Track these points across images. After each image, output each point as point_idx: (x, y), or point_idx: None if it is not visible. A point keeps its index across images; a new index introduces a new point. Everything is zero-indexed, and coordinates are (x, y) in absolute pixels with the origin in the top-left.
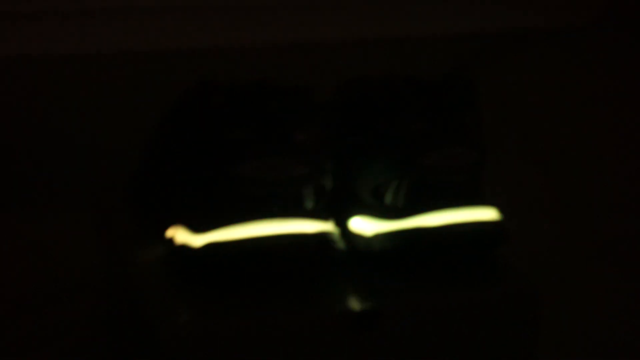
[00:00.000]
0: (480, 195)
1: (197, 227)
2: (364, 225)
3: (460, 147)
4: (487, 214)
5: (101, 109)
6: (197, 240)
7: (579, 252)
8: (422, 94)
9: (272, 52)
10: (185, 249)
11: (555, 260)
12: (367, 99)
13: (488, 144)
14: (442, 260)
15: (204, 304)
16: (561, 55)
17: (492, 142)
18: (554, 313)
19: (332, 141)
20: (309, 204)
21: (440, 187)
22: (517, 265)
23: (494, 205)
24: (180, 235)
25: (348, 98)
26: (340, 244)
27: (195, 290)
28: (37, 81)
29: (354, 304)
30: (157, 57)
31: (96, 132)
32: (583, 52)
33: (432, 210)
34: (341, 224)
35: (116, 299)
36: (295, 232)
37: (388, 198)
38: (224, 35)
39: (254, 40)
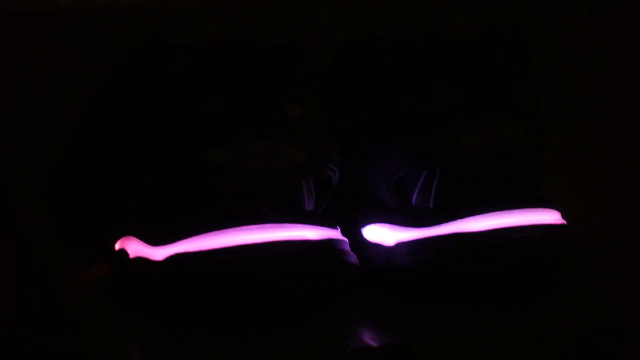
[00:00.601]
0: (536, 190)
1: (156, 236)
2: (382, 233)
3: (509, 126)
4: (548, 216)
5: (17, 76)
6: (157, 253)
7: None
8: (455, 54)
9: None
10: (139, 265)
11: None
12: (381, 62)
13: (546, 123)
14: (489, 278)
15: (165, 342)
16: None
17: (550, 120)
18: None
19: (337, 118)
20: (309, 204)
21: (483, 181)
22: (592, 285)
23: (557, 205)
24: (133, 247)
25: (356, 60)
26: (352, 258)
27: (154, 322)
28: None
29: (372, 339)
30: (95, 14)
31: (7, 110)
32: None
33: (474, 212)
34: (352, 230)
35: (42, 338)
36: (291, 241)
37: (414, 196)
38: None
39: None
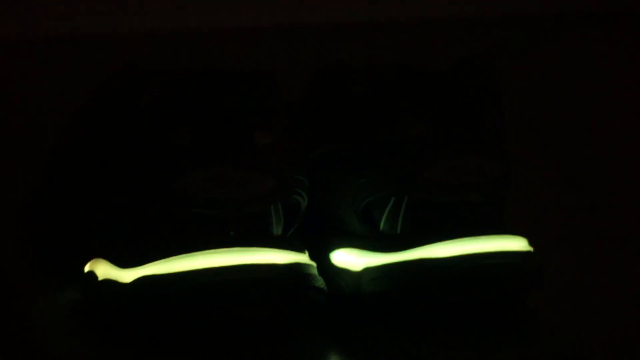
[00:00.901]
0: (503, 219)
1: (125, 258)
2: (350, 258)
3: (475, 158)
4: (514, 243)
5: None
6: (126, 275)
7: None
8: (424, 87)
9: (222, 34)
10: (108, 287)
11: (607, 308)
12: (351, 92)
13: (513, 154)
14: (454, 305)
15: None
16: (605, 44)
17: (517, 151)
18: None
19: (306, 146)
20: (278, 229)
21: (451, 209)
22: (557, 314)
23: (522, 232)
24: (102, 269)
25: (326, 90)
26: (319, 282)
27: (122, 345)
28: None
29: None
30: (71, 41)
31: None
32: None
33: (441, 238)
34: (321, 255)
35: None
36: (258, 265)
37: (381, 222)
38: (157, 18)
39: (199, 22)
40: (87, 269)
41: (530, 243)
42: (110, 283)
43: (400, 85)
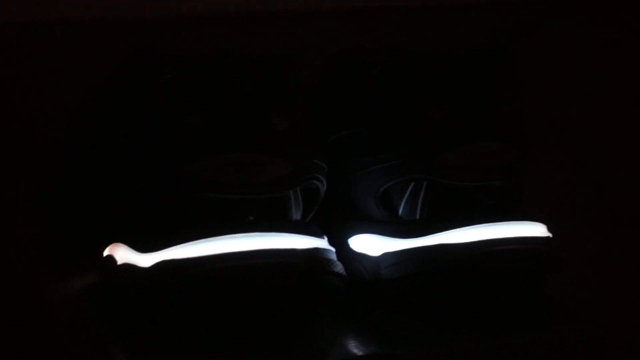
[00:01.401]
0: (522, 204)
1: (144, 243)
2: (368, 243)
3: (493, 142)
4: (534, 229)
5: (4, 86)
6: (145, 260)
7: None
8: (441, 70)
9: (238, 19)
10: (127, 271)
11: (625, 294)
12: (367, 77)
13: (530, 138)
14: (472, 290)
15: (152, 350)
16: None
17: (534, 135)
18: None
19: (324, 131)
20: (296, 214)
21: (469, 194)
22: (575, 299)
23: (540, 218)
24: (121, 254)
25: (344, 74)
26: (338, 267)
27: (141, 329)
28: None
29: (357, 349)
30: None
31: None
32: None
33: (460, 224)
34: (339, 240)
35: (29, 346)
36: (277, 250)
37: (400, 208)
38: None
39: (215, 6)
40: (105, 253)
41: (549, 228)
42: (129, 267)
43: (418, 69)
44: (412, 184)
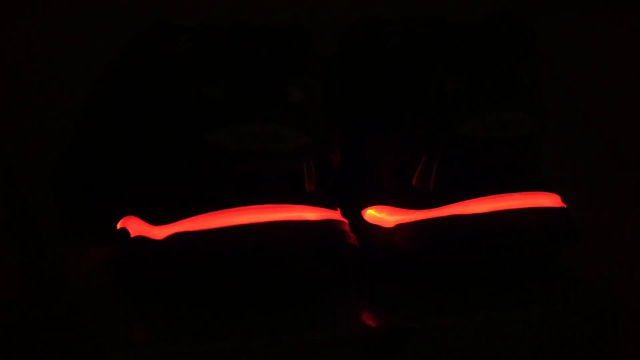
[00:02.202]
0: (538, 175)
1: (158, 215)
2: (382, 215)
3: (511, 111)
4: (549, 200)
5: (21, 60)
6: (158, 232)
7: None
8: (458, 41)
9: None
10: (141, 244)
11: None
12: (383, 48)
13: (547, 108)
14: (488, 261)
15: (167, 321)
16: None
17: (551, 106)
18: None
19: (339, 103)
20: (310, 186)
21: (484, 165)
22: (591, 271)
23: (557, 189)
24: (134, 226)
25: (360, 46)
26: (351, 239)
27: (155, 301)
28: None
29: (371, 321)
30: None
31: (11, 93)
32: None
33: (474, 195)
34: (353, 212)
35: (46, 318)
36: (291, 222)
37: (414, 179)
38: None
39: None
40: (119, 226)
41: (564, 199)
42: (142, 240)
43: (435, 39)
44: (425, 155)
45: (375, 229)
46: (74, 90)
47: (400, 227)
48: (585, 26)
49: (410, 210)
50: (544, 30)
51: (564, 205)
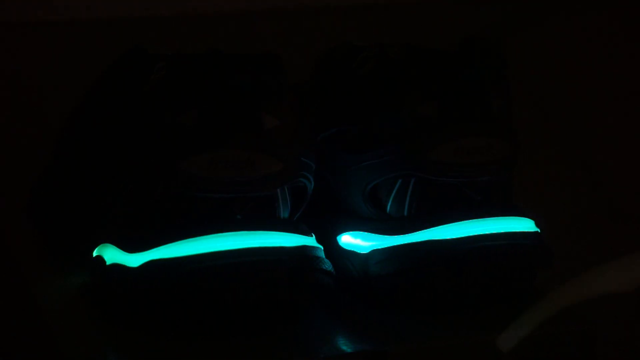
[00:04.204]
0: (512, 199)
1: (133, 243)
2: (357, 241)
3: (483, 137)
4: (522, 224)
5: None
6: (133, 259)
7: None
8: (431, 66)
9: (227, 18)
10: (116, 271)
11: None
12: (358, 73)
13: (520, 133)
14: (461, 286)
15: (142, 348)
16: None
17: (524, 131)
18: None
19: (313, 129)
20: (284, 212)
21: (458, 190)
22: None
23: (530, 213)
24: (109, 254)
25: (333, 72)
26: (326, 265)
27: (131, 329)
28: None
29: (346, 346)
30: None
31: None
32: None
33: (448, 220)
34: (327, 238)
35: (20, 346)
36: (265, 248)
37: (388, 204)
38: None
39: (204, 5)
40: (95, 253)
41: (538, 223)
42: (117, 268)
43: (407, 65)
44: (400, 181)
45: (351, 255)
46: (49, 117)
47: (375, 252)
48: (557, 44)
49: (385, 236)
50: (516, 48)
51: (538, 230)
